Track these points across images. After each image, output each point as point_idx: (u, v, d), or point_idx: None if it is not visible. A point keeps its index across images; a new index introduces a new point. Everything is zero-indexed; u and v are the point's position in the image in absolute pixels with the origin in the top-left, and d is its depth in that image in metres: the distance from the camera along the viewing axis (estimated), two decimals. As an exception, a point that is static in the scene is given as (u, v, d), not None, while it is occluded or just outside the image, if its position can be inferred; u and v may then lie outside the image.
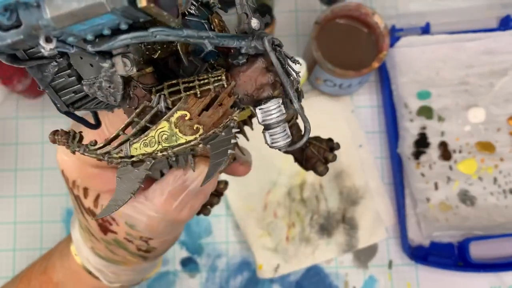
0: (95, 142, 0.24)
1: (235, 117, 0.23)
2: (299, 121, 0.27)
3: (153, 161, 0.23)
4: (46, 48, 0.17)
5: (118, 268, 0.37)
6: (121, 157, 0.23)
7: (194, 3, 0.23)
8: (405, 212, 0.66)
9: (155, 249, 0.35)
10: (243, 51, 0.22)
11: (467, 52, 0.68)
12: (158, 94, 0.23)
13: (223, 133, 0.23)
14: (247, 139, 0.35)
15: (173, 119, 0.22)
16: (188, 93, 0.23)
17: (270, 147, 0.24)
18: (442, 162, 0.66)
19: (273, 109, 0.23)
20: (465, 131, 0.67)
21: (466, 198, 0.65)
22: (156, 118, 0.23)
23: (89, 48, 0.19)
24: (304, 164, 0.36)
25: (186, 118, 0.22)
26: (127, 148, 0.23)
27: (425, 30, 0.69)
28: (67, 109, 0.25)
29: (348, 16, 0.65)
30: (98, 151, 0.24)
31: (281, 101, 0.23)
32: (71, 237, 0.39)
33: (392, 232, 0.67)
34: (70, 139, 0.24)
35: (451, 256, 0.65)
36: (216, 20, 0.24)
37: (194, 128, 0.22)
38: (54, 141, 0.24)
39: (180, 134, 0.22)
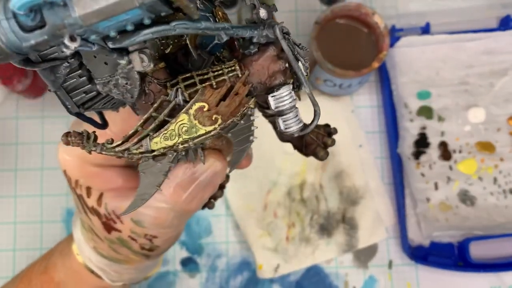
0: (112, 141, 0.24)
1: (251, 105, 0.24)
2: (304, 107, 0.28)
3: (175, 153, 0.24)
4: (71, 47, 0.17)
5: (120, 267, 0.37)
6: (141, 153, 0.24)
7: None
8: (405, 212, 0.66)
9: (158, 247, 0.35)
10: (255, 40, 0.23)
11: (467, 52, 0.68)
12: (175, 88, 0.23)
13: (242, 121, 0.24)
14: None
15: (192, 111, 0.23)
16: (204, 84, 0.23)
17: (283, 132, 0.25)
18: (442, 162, 0.66)
19: (285, 95, 0.24)
20: (465, 131, 0.67)
21: (466, 198, 0.65)
22: (174, 112, 0.23)
23: (110, 45, 0.19)
24: (304, 150, 0.37)
25: (205, 109, 0.23)
26: (147, 143, 0.24)
27: (425, 30, 0.69)
28: (78, 110, 0.25)
29: (348, 16, 0.65)
30: (117, 149, 0.24)
31: (291, 87, 0.24)
32: (72, 237, 0.39)
33: (392, 232, 0.67)
34: (85, 140, 0.24)
35: (451, 256, 0.65)
36: (220, 13, 0.25)
37: (213, 118, 0.23)
38: (67, 143, 0.24)
39: (199, 125, 0.23)
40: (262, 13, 0.22)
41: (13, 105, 0.69)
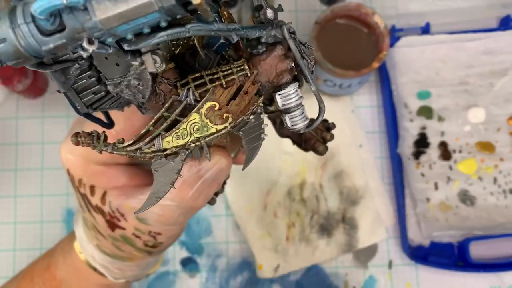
0: (123, 140, 0.25)
1: (260, 104, 0.24)
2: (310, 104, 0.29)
3: (187, 152, 0.24)
4: (89, 50, 0.17)
5: (123, 264, 0.37)
6: (153, 151, 0.24)
7: None
8: (405, 212, 0.66)
9: (161, 244, 0.35)
10: (263, 40, 0.23)
11: (467, 52, 0.68)
12: (186, 88, 0.24)
13: (252, 120, 0.24)
14: None
15: (203, 110, 0.23)
16: (214, 84, 0.24)
17: (290, 129, 0.26)
18: (442, 162, 0.66)
19: (292, 93, 0.25)
20: (465, 131, 0.67)
21: (466, 198, 0.65)
22: (185, 111, 0.24)
23: (125, 47, 0.19)
24: (304, 145, 0.37)
25: (216, 108, 0.24)
26: (159, 142, 0.24)
27: (425, 30, 0.69)
28: (87, 110, 0.26)
29: (348, 16, 0.65)
30: (128, 148, 0.24)
31: (297, 85, 0.25)
32: (74, 235, 0.39)
33: (392, 232, 0.67)
34: (95, 140, 0.25)
35: (451, 256, 0.65)
36: (225, 13, 0.25)
37: (224, 117, 0.24)
38: (77, 144, 0.25)
39: (210, 124, 0.24)
40: (269, 13, 0.23)
41: (13, 105, 0.69)
